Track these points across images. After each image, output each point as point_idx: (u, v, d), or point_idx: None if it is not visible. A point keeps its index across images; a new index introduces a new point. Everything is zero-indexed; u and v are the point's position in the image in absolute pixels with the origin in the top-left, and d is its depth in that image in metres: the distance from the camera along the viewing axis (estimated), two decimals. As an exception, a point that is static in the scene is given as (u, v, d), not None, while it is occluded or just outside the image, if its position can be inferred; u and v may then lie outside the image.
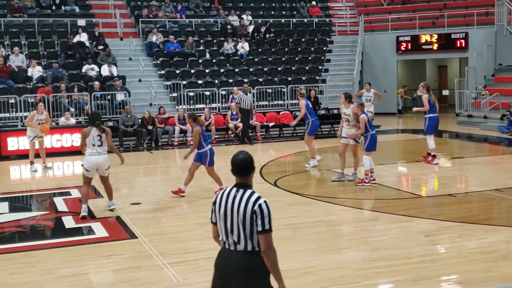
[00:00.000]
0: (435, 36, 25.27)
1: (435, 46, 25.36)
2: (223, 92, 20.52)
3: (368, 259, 6.97)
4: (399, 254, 7.10)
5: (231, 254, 3.98)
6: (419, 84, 13.93)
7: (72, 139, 16.70)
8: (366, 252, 7.27)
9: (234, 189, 4.03)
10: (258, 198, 3.97)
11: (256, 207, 3.93)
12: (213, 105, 19.81)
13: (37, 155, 14.38)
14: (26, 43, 21.45)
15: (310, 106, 13.47)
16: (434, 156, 13.56)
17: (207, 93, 20.08)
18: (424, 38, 25.47)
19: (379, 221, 8.65)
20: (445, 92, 29.16)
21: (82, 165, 9.26)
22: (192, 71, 21.90)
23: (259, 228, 3.92)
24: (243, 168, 4.03)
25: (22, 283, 6.42)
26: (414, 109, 14.28)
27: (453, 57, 27.95)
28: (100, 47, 21.24)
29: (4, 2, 23.34)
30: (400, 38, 25.89)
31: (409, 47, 25.83)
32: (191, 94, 20.24)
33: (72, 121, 17.39)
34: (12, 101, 17.92)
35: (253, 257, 3.95)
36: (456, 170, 13.71)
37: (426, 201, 10.25)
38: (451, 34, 25.07)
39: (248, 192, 3.99)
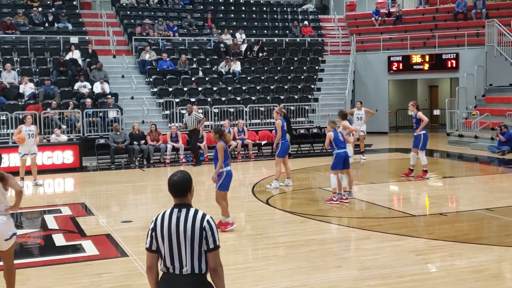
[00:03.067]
0: (426, 56, 25.50)
1: (426, 66, 25.58)
2: (216, 110, 20.58)
3: (360, 278, 6.96)
4: (390, 273, 7.10)
5: (177, 278, 3.90)
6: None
7: (63, 156, 16.68)
8: (358, 271, 7.26)
9: (176, 210, 3.96)
10: (205, 215, 3.96)
11: (205, 223, 3.91)
12: (206, 123, 19.81)
13: (28, 172, 14.34)
14: (18, 59, 21.44)
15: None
16: (426, 171, 14.14)
17: (200, 111, 20.08)
18: (415, 58, 25.70)
19: (371, 240, 8.64)
20: (436, 112, 29.36)
21: None
22: (185, 89, 21.96)
23: (211, 246, 3.90)
24: (181, 189, 3.99)
25: (11, 301, 6.35)
26: (417, 131, 14.07)
27: (444, 77, 28.19)
28: (93, 66, 21.29)
29: (-3, 19, 23.40)
30: (392, 58, 26.10)
31: (401, 67, 26.03)
32: (183, 111, 20.25)
33: (64, 138, 17.35)
34: (3, 117, 17.87)
35: (200, 280, 3.93)
36: (447, 189, 13.75)
37: (418, 220, 10.25)
38: (442, 54, 25.31)
39: (192, 210, 3.96)
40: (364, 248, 8.30)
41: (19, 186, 6.13)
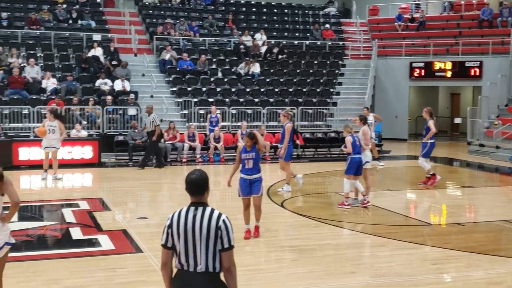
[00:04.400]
0: (449, 64, 25.27)
1: (449, 74, 25.35)
2: (233, 111, 20.62)
3: (374, 285, 6.93)
4: (405, 281, 7.05)
5: (192, 276, 3.94)
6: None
7: (83, 152, 16.85)
8: (372, 277, 7.22)
9: (192, 208, 4.00)
10: (220, 214, 3.99)
11: (220, 223, 3.93)
12: (223, 124, 19.88)
13: (50, 166, 14.55)
14: (42, 55, 21.71)
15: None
16: (434, 175, 14.02)
17: (218, 111, 20.15)
18: (438, 65, 25.49)
19: (386, 247, 8.59)
20: (457, 120, 29.11)
21: None
22: (204, 89, 22.04)
23: (226, 245, 3.92)
24: (197, 188, 4.02)
25: (27, 293, 6.44)
26: (425, 139, 14.06)
27: (466, 85, 27.94)
28: (114, 62, 21.48)
29: (22, 14, 23.69)
30: (414, 64, 25.93)
31: (422, 74, 25.84)
32: (201, 111, 20.35)
33: (84, 133, 17.53)
34: (26, 111, 18.09)
35: (214, 278, 3.95)
36: (466, 199, 13.61)
37: (434, 229, 10.18)
38: (465, 62, 25.05)
39: (208, 209, 3.99)
40: (379, 255, 8.25)
41: (17, 196, 5.33)
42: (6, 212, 5.41)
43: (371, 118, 17.40)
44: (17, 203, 5.32)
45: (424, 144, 14.05)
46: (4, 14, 22.59)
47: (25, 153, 16.25)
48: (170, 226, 4.02)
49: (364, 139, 11.76)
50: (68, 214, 10.48)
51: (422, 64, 25.85)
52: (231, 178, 8.82)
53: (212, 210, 4.00)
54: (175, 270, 4.07)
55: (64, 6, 24.33)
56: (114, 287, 6.68)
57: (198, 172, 4.08)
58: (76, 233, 9.10)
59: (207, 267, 3.92)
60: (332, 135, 20.50)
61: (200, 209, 3.98)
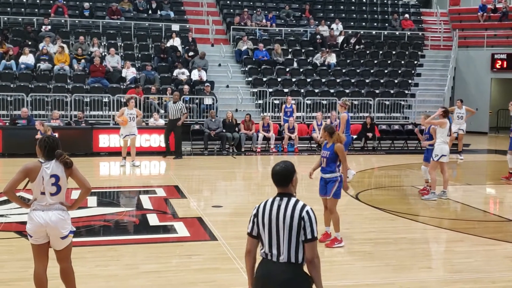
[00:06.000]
0: (534, 55, 24.10)
1: (533, 66, 24.20)
2: (308, 102, 20.53)
3: (450, 280, 6.74)
4: (483, 277, 6.81)
5: (274, 265, 3.98)
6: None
7: (160, 140, 17.27)
8: (448, 273, 7.03)
9: (277, 198, 4.05)
10: (304, 205, 3.99)
11: (304, 213, 3.94)
12: (298, 114, 19.82)
13: (128, 153, 15.03)
14: (122, 44, 22.39)
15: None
16: None
17: (292, 101, 20.10)
18: (521, 56, 24.38)
19: (464, 243, 8.32)
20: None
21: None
22: (279, 79, 22.05)
23: (308, 236, 3.93)
24: (282, 178, 4.06)
25: (106, 276, 6.66)
26: None
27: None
28: (191, 53, 21.86)
29: (103, 4, 24.51)
30: (496, 56, 24.95)
31: (505, 65, 24.81)
32: (276, 102, 20.38)
33: (161, 122, 17.97)
34: (106, 100, 18.76)
35: (296, 269, 3.97)
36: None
37: (516, 226, 9.75)
38: (550, 53, 23.83)
39: (293, 200, 4.02)
40: (456, 250, 8.01)
41: (88, 183, 5.40)
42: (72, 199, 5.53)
43: (463, 110, 17.14)
44: (89, 189, 5.39)
45: None
46: (86, 4, 23.44)
47: (105, 140, 16.85)
48: (256, 215, 4.11)
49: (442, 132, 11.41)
50: (145, 201, 10.79)
51: (504, 56, 24.87)
52: (313, 171, 8.21)
53: (297, 201, 4.03)
54: (260, 259, 4.13)
55: (144, -4, 24.99)
56: (190, 273, 6.82)
57: (283, 163, 4.13)
58: (153, 219, 9.35)
59: (289, 258, 3.96)
60: (410, 127, 20.01)
61: (284, 200, 4.03)
